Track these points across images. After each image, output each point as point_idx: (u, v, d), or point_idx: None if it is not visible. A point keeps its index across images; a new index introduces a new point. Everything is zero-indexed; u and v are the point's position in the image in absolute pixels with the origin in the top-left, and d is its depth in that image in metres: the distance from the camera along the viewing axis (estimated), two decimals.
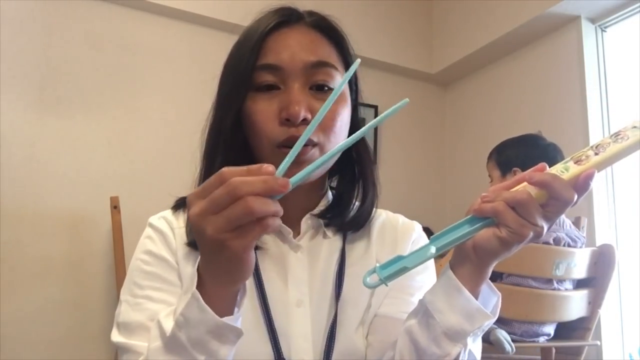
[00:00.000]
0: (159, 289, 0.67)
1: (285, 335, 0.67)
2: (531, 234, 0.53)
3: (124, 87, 2.29)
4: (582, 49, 2.32)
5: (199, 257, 0.54)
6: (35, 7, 2.16)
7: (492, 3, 2.64)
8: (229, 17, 2.40)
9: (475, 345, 0.61)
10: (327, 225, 0.75)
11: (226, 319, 0.53)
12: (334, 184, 0.80)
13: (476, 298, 0.58)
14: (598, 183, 2.20)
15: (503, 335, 1.56)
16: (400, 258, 0.55)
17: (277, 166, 0.68)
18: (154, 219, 0.75)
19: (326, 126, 0.68)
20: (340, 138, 0.71)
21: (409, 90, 3.03)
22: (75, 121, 2.19)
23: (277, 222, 0.48)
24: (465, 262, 0.58)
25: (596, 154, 0.54)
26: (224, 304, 0.54)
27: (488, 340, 1.57)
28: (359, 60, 0.55)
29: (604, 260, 1.77)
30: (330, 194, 0.79)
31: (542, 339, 1.69)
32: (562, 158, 1.82)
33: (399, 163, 2.87)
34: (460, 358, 0.59)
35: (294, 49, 0.69)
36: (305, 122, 0.66)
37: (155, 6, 2.34)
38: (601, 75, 2.34)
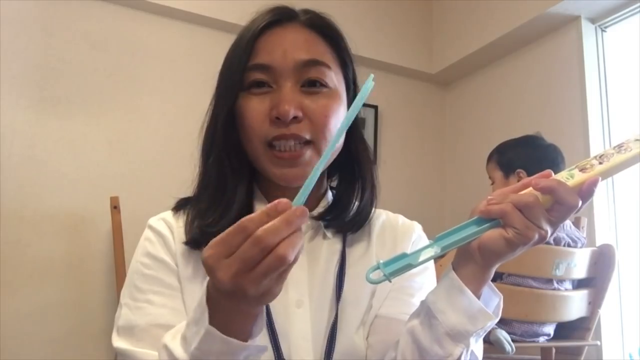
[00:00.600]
0: (160, 293, 0.67)
1: (285, 336, 0.66)
2: (536, 237, 0.54)
3: (124, 87, 2.29)
4: (582, 49, 2.32)
5: (206, 282, 0.52)
6: (35, 8, 2.16)
7: (492, 3, 2.64)
8: (228, 17, 2.39)
9: (477, 346, 0.61)
10: (326, 226, 0.75)
11: (252, 342, 0.53)
12: (333, 183, 0.80)
13: (478, 297, 0.59)
14: (598, 183, 2.20)
15: (503, 335, 1.56)
16: (404, 255, 0.56)
17: (267, 164, 0.68)
18: (153, 221, 0.74)
19: (318, 124, 0.68)
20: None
21: (409, 90, 3.03)
22: (75, 121, 2.19)
23: (302, 245, 0.49)
24: (469, 262, 0.59)
25: (600, 163, 0.56)
26: (246, 325, 0.53)
27: (488, 340, 1.57)
28: (372, 77, 0.54)
29: (604, 260, 1.77)
30: (329, 194, 0.78)
31: (542, 339, 1.69)
32: (562, 159, 1.82)
33: (399, 163, 2.87)
34: (462, 358, 0.59)
35: (286, 47, 0.68)
36: (296, 120, 0.66)
37: (155, 6, 2.34)
38: (601, 75, 2.34)
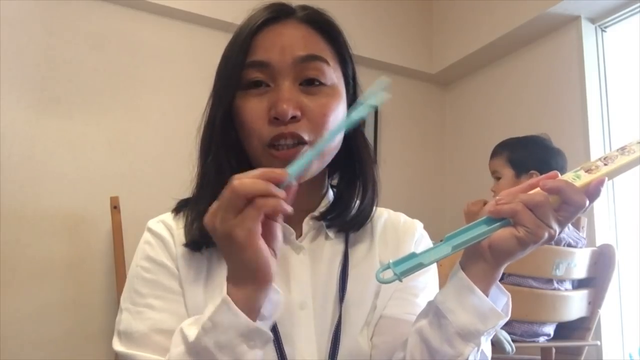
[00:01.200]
0: (161, 297, 0.66)
1: (289, 338, 0.66)
2: (546, 235, 0.56)
3: (124, 87, 2.29)
4: (582, 49, 2.32)
5: (223, 273, 0.57)
6: (36, 7, 2.16)
7: (492, 3, 2.64)
8: (228, 17, 2.38)
9: (486, 345, 0.62)
10: (328, 226, 0.74)
11: (259, 324, 0.55)
12: (334, 182, 0.79)
13: (487, 296, 0.59)
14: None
15: (503, 335, 1.56)
16: (414, 255, 0.57)
17: (265, 164, 0.68)
18: (152, 223, 0.73)
19: (317, 123, 0.67)
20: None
21: (409, 90, 3.03)
22: (75, 121, 2.19)
23: (278, 203, 0.53)
24: (478, 261, 0.59)
25: (605, 164, 0.58)
26: (253, 310, 0.56)
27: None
28: (384, 80, 0.57)
29: (604, 260, 1.77)
30: (330, 194, 0.78)
31: (542, 339, 1.69)
32: (566, 163, 1.82)
33: (399, 163, 2.87)
34: (472, 358, 0.59)
35: (284, 44, 0.67)
36: (295, 119, 0.65)
37: (155, 6, 2.34)
38: (601, 75, 2.34)
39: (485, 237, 0.57)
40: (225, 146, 0.70)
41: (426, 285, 0.74)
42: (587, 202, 0.56)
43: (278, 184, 0.53)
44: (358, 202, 0.76)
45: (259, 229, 0.53)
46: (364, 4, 2.79)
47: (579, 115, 2.28)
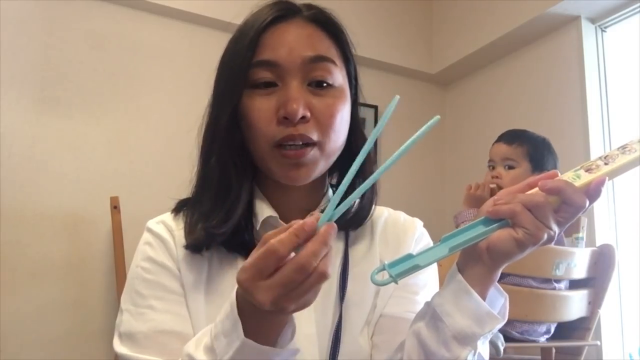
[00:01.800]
0: (162, 298, 0.66)
1: None
2: (545, 237, 0.55)
3: (124, 87, 2.29)
4: (582, 49, 2.32)
5: (231, 291, 0.54)
6: (36, 7, 2.16)
7: (492, 3, 2.64)
8: (229, 16, 2.38)
9: (483, 347, 0.61)
10: None
11: (288, 345, 0.54)
12: (334, 181, 0.79)
13: (484, 300, 0.58)
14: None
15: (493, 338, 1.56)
16: (410, 256, 0.55)
17: (273, 164, 0.67)
18: (152, 224, 0.73)
19: (325, 124, 0.67)
20: (340, 136, 0.70)
21: (409, 90, 3.03)
22: (75, 121, 2.19)
23: (329, 265, 0.50)
24: (476, 264, 0.58)
25: (606, 164, 0.57)
26: (277, 332, 0.54)
27: None
28: (397, 98, 0.56)
29: (604, 260, 1.77)
30: (330, 193, 0.78)
31: (542, 339, 1.69)
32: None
33: (399, 163, 2.83)
34: None
35: (292, 44, 0.67)
36: (304, 120, 0.65)
37: (155, 6, 2.34)
38: (601, 75, 2.34)
39: (483, 238, 0.56)
40: (229, 146, 0.69)
41: (426, 283, 0.74)
42: (587, 203, 0.55)
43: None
44: (358, 200, 0.75)
45: None
46: (364, 4, 2.79)
47: (579, 115, 2.28)
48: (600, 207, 2.18)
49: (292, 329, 0.56)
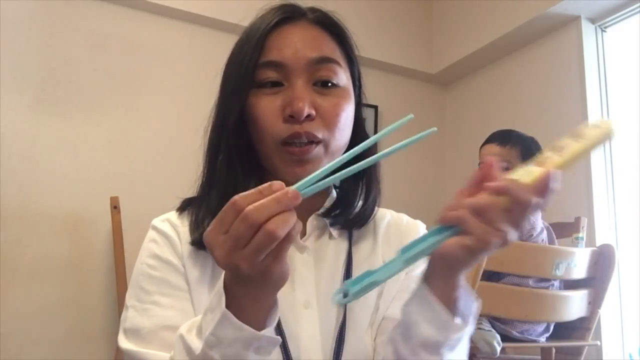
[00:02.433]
0: (167, 295, 0.66)
1: (293, 337, 0.66)
2: (496, 240, 0.51)
3: (124, 87, 2.29)
4: (582, 49, 2.32)
5: (223, 274, 0.53)
6: (36, 7, 2.16)
7: (492, 3, 2.64)
8: (229, 17, 2.40)
9: (454, 354, 0.60)
10: (332, 224, 0.74)
11: (265, 332, 0.53)
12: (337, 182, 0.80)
13: (451, 306, 0.57)
14: (598, 183, 2.20)
15: (484, 337, 1.56)
16: (369, 273, 0.53)
17: (279, 162, 0.68)
18: (157, 222, 0.73)
19: (330, 122, 0.68)
20: (344, 134, 0.70)
21: (409, 90, 3.03)
22: (75, 121, 2.19)
23: (298, 226, 0.49)
24: (435, 272, 0.57)
25: (559, 155, 0.54)
26: (259, 316, 0.54)
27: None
28: (411, 116, 0.53)
29: (604, 260, 1.77)
30: (334, 193, 0.78)
31: (542, 339, 1.69)
32: None
33: (399, 163, 2.86)
34: None
35: (297, 45, 0.68)
36: (309, 118, 0.66)
37: (155, 6, 2.34)
38: (601, 75, 2.34)
39: (435, 247, 0.54)
40: (236, 145, 0.70)
41: None
42: (535, 199, 0.51)
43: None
44: (361, 201, 0.76)
45: (270, 257, 0.50)
46: (365, 4, 2.79)
47: (579, 115, 2.28)
48: (600, 207, 2.18)
49: (274, 317, 0.55)
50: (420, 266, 0.74)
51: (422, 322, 0.57)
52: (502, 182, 0.52)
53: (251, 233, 0.47)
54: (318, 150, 0.67)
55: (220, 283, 0.54)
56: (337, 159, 0.53)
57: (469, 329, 0.59)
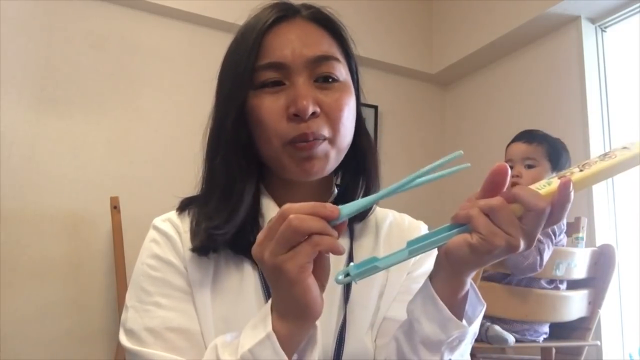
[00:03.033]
0: (168, 296, 0.66)
1: None
2: (503, 244, 0.50)
3: (124, 87, 2.30)
4: (582, 49, 2.32)
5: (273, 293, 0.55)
6: (36, 7, 2.16)
7: (492, 3, 2.64)
8: (228, 17, 2.39)
9: (455, 355, 0.60)
10: None
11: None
12: (339, 181, 0.79)
13: (456, 306, 0.57)
14: (598, 184, 2.20)
15: (498, 330, 1.57)
16: (374, 259, 0.55)
17: (286, 161, 0.67)
18: (158, 222, 0.72)
19: (334, 118, 0.67)
20: (348, 130, 0.70)
21: (409, 90, 3.03)
22: (75, 121, 2.19)
23: (333, 242, 0.51)
24: (440, 270, 0.57)
25: (581, 170, 0.53)
26: (290, 349, 0.54)
27: (486, 339, 1.57)
28: (460, 153, 0.55)
29: (604, 260, 1.77)
30: (336, 191, 0.78)
31: (540, 339, 1.69)
32: None
33: (399, 163, 2.86)
34: None
35: (295, 44, 0.68)
36: (314, 115, 0.66)
37: (155, 6, 2.34)
38: (601, 75, 2.34)
39: (443, 243, 0.54)
40: (235, 147, 0.69)
41: None
42: (549, 208, 0.50)
43: (329, 220, 0.52)
44: (361, 196, 0.76)
45: (312, 265, 0.52)
46: (365, 4, 2.79)
47: (579, 115, 2.28)
48: (600, 207, 2.18)
49: (313, 353, 0.56)
50: (422, 266, 0.74)
51: (424, 319, 0.58)
52: (514, 190, 0.52)
53: (279, 226, 0.50)
54: (325, 146, 0.67)
55: (268, 304, 0.55)
56: (381, 192, 0.55)
57: (473, 331, 0.59)
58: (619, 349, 2.11)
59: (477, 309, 0.60)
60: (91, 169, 2.18)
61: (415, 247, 0.54)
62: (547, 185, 0.53)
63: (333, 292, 0.69)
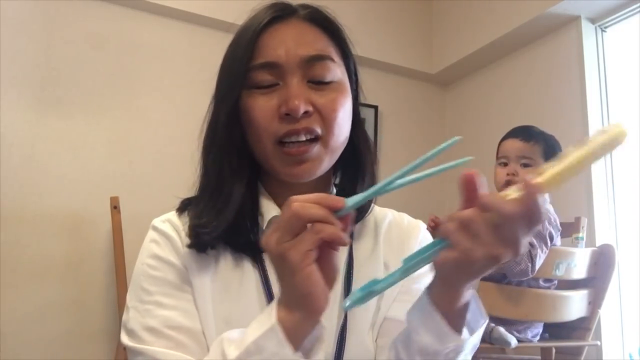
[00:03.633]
0: (169, 295, 0.66)
1: None
2: (483, 257, 0.49)
3: (124, 87, 2.29)
4: (582, 49, 2.32)
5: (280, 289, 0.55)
6: (36, 7, 2.16)
7: (492, 3, 2.64)
8: (228, 17, 2.39)
9: None
10: None
11: (301, 357, 0.53)
12: (337, 180, 0.79)
13: (454, 316, 0.56)
14: (598, 183, 2.20)
15: (502, 332, 1.57)
16: (375, 282, 0.54)
17: (276, 162, 0.68)
18: (158, 222, 0.73)
19: (328, 117, 0.67)
20: (343, 130, 0.70)
21: (409, 90, 3.03)
22: (75, 121, 2.19)
23: (336, 231, 0.51)
24: (436, 280, 0.57)
25: (559, 164, 0.50)
26: (294, 341, 0.54)
27: (489, 340, 1.57)
28: (458, 139, 0.54)
29: (604, 260, 1.77)
30: (334, 190, 0.78)
31: (535, 339, 1.69)
32: None
33: (400, 163, 2.82)
34: None
35: (289, 44, 0.68)
36: (306, 115, 0.66)
37: (155, 6, 2.34)
38: (601, 75, 2.34)
39: (430, 260, 0.53)
40: (226, 146, 0.69)
41: None
42: (521, 212, 0.48)
43: (335, 211, 0.52)
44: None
45: (314, 254, 0.51)
46: (364, 4, 2.79)
47: (579, 115, 2.28)
48: (600, 207, 2.18)
49: (318, 339, 0.56)
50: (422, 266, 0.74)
51: (421, 329, 0.57)
52: (480, 197, 0.50)
53: (284, 213, 0.52)
54: (317, 148, 0.67)
55: (274, 301, 0.55)
56: (385, 181, 0.55)
57: (473, 343, 0.58)
58: (619, 349, 2.11)
59: (480, 322, 0.59)
60: (91, 169, 2.18)
61: (408, 266, 0.53)
62: (518, 190, 0.49)
63: (333, 292, 0.69)
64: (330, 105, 0.68)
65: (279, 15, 0.70)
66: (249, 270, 0.69)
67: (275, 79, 0.67)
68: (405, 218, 0.82)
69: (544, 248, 1.57)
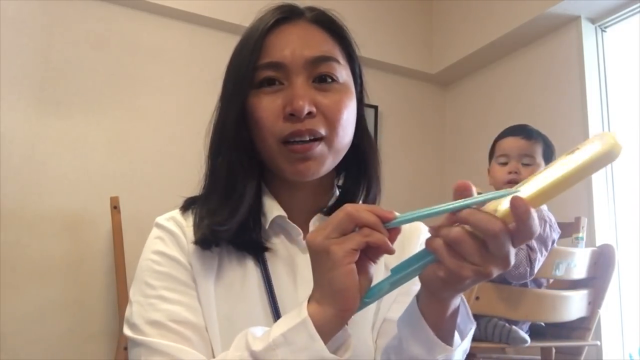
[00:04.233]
0: (173, 290, 0.66)
1: None
2: (471, 275, 0.48)
3: (124, 87, 2.30)
4: (582, 49, 2.32)
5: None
6: (36, 7, 2.16)
7: (492, 3, 2.64)
8: (229, 17, 2.40)
9: None
10: None
11: (333, 356, 0.53)
12: (340, 182, 0.80)
13: (442, 326, 0.56)
14: (598, 183, 2.20)
15: (521, 332, 1.57)
16: (366, 295, 0.54)
17: (281, 161, 0.68)
18: (162, 220, 0.73)
19: (332, 119, 0.68)
20: (347, 132, 0.70)
21: (409, 90, 3.03)
22: (75, 121, 2.19)
23: (384, 238, 0.52)
24: (423, 293, 0.57)
25: (544, 177, 0.48)
26: (327, 336, 0.54)
27: (507, 341, 1.57)
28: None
29: (604, 260, 1.77)
30: (337, 192, 0.79)
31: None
32: None
33: (400, 163, 2.87)
34: None
35: (295, 45, 0.68)
36: (310, 115, 0.66)
37: (155, 6, 2.34)
38: (601, 75, 2.34)
39: (418, 272, 0.53)
40: (236, 146, 0.70)
41: None
42: (505, 228, 0.47)
43: (385, 222, 0.53)
44: (362, 198, 0.77)
45: (357, 255, 0.52)
46: (365, 4, 2.79)
47: (579, 115, 2.28)
48: (600, 207, 2.18)
49: (345, 341, 0.56)
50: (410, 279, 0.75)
51: (410, 339, 0.58)
52: (464, 214, 0.49)
53: (337, 214, 0.53)
54: (321, 147, 0.67)
55: (305, 301, 0.55)
56: (437, 208, 0.50)
57: (463, 348, 0.59)
58: (619, 349, 2.11)
59: (468, 326, 0.60)
60: (91, 169, 2.18)
61: (395, 279, 0.54)
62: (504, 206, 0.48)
63: None
64: (335, 106, 0.68)
65: (286, 16, 0.71)
66: (251, 269, 0.69)
67: (280, 78, 0.68)
68: None
69: (544, 252, 1.57)
